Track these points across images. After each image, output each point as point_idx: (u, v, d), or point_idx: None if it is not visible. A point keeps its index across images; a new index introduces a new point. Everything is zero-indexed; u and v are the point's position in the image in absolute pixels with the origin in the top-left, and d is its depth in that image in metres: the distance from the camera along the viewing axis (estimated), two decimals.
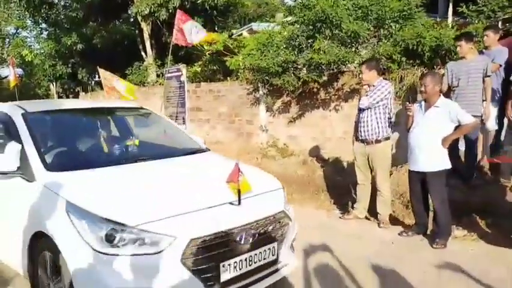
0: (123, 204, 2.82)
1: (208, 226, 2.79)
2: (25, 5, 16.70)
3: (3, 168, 3.29)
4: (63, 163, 3.52)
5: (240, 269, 2.91)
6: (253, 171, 3.58)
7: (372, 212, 5.36)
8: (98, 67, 10.31)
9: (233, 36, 12.23)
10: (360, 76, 5.97)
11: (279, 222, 3.24)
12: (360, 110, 5.23)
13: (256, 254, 3.01)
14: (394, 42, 6.68)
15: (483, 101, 5.39)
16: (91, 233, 2.66)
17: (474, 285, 3.64)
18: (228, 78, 10.31)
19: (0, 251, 3.62)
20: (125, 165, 3.56)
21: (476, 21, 6.83)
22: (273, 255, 3.14)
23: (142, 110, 4.91)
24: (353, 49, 7.21)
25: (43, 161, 3.31)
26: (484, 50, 5.71)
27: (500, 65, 5.49)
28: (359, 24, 6.68)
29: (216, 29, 15.23)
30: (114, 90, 9.06)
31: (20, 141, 3.47)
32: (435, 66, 6.46)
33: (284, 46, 7.71)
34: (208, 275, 2.75)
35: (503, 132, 5.68)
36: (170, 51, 9.76)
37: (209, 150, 4.35)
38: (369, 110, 5.11)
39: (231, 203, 3.03)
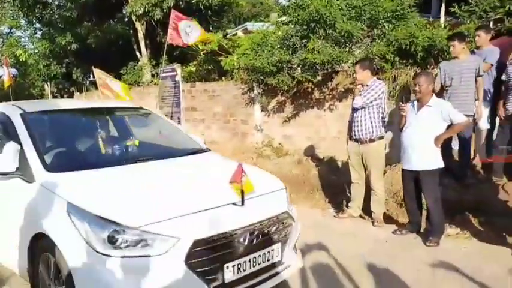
0: (126, 205, 2.79)
1: (211, 227, 2.77)
2: (19, 5, 16.63)
3: (2, 169, 3.25)
4: (63, 164, 3.49)
5: (244, 270, 2.89)
6: (255, 172, 3.55)
7: (366, 210, 5.40)
8: (92, 67, 10.30)
9: (228, 36, 12.25)
10: (354, 76, 6.01)
11: (282, 222, 3.22)
12: (354, 110, 5.26)
13: (260, 255, 2.99)
14: (388, 42, 6.72)
15: (475, 100, 5.45)
16: (93, 235, 2.62)
17: (467, 283, 3.68)
18: (223, 78, 10.32)
19: (0, 253, 3.58)
20: (126, 166, 3.52)
21: (468, 21, 6.88)
22: (276, 256, 3.13)
23: (141, 110, 4.88)
24: (347, 49, 7.25)
25: (42, 161, 3.27)
26: (475, 50, 5.77)
27: (492, 65, 5.55)
28: (352, 24, 6.71)
29: (211, 28, 15.22)
30: (108, 90, 9.06)
31: (18, 141, 3.43)
32: (429, 66, 6.51)
33: (278, 46, 7.74)
34: (213, 276, 2.73)
35: (495, 131, 5.74)
36: (165, 51, 9.77)
37: (209, 150, 4.33)
38: (363, 109, 5.14)
39: (234, 204, 3.00)
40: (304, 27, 7.34)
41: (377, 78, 5.49)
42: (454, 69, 5.43)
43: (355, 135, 5.24)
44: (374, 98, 5.08)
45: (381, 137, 5.21)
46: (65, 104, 5.27)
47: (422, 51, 6.44)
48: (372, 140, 5.15)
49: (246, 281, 2.92)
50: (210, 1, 13.63)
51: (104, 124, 4.42)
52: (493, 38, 6.11)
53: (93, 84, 15.19)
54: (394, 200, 5.63)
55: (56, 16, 17.62)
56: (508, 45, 5.68)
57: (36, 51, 19.10)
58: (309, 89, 8.00)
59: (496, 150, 5.53)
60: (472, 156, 5.91)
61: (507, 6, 6.78)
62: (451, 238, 4.67)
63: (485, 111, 5.64)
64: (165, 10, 13.17)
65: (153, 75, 14.09)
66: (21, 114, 3.69)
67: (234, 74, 9.57)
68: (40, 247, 3.00)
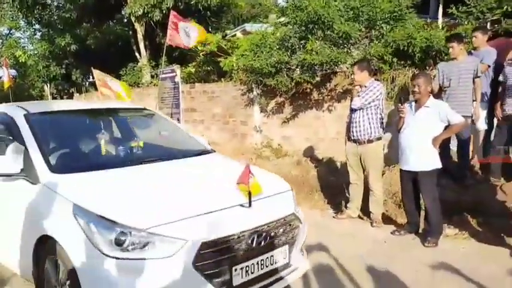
0: (132, 206, 2.76)
1: (219, 229, 2.74)
2: (18, 6, 16.60)
3: (6, 170, 3.22)
4: (68, 165, 3.45)
5: (252, 273, 2.85)
6: (261, 173, 3.50)
7: (365, 211, 5.43)
8: (92, 68, 10.31)
9: (227, 37, 12.27)
10: (352, 77, 6.03)
11: (290, 224, 3.19)
12: (352, 111, 5.28)
13: (267, 258, 2.96)
14: (385, 43, 6.74)
15: (473, 101, 5.48)
16: (100, 237, 2.59)
17: (465, 284, 3.70)
18: (222, 79, 10.34)
19: (4, 255, 3.54)
20: (131, 167, 3.48)
21: (466, 23, 6.91)
22: (284, 258, 3.10)
23: (145, 110, 4.85)
24: (345, 50, 7.27)
25: (47, 162, 3.23)
26: (472, 51, 5.80)
27: (489, 66, 5.58)
28: (350, 25, 6.73)
29: (210, 29, 15.22)
30: (108, 89, 9.06)
31: (22, 142, 3.39)
32: (427, 67, 6.54)
33: (277, 47, 7.75)
34: (221, 279, 2.70)
35: (492, 132, 5.77)
36: (164, 52, 9.80)
37: (214, 151, 4.30)
38: (361, 110, 5.16)
39: (241, 205, 2.96)
40: (303, 28, 7.35)
41: (375, 79, 5.51)
42: (452, 70, 5.45)
43: (353, 136, 5.26)
44: (372, 99, 5.10)
45: (379, 138, 5.23)
46: (68, 105, 5.24)
47: (420, 52, 6.47)
48: (370, 141, 5.17)
49: (254, 283, 2.89)
50: (209, 2, 13.63)
51: (108, 125, 4.38)
52: (490, 38, 6.15)
53: (93, 85, 15.21)
54: (392, 200, 5.66)
55: (56, 17, 17.62)
56: (505, 46, 5.71)
57: (35, 52, 19.09)
58: (308, 90, 8.03)
59: (493, 151, 5.56)
60: (470, 156, 5.93)
61: (505, 7, 6.81)
62: (450, 239, 4.70)
63: (482, 112, 5.67)
64: (164, 11, 13.17)
65: (152, 76, 14.10)
66: (25, 115, 3.66)
67: (233, 75, 9.59)
68: (45, 249, 2.96)
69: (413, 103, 4.73)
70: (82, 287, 2.62)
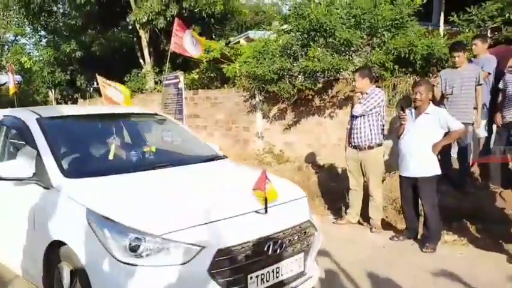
0: (147, 212, 2.70)
1: (235, 235, 2.68)
2: (24, 13, 16.84)
3: (18, 175, 3.18)
4: (81, 169, 3.40)
5: (267, 281, 2.78)
6: (275, 179, 3.35)
7: (365, 217, 5.45)
8: (96, 74, 10.42)
9: (230, 44, 12.37)
10: (354, 84, 6.08)
11: (305, 232, 3.12)
12: (353, 117, 5.32)
13: (283, 266, 2.89)
14: (387, 51, 6.79)
15: (474, 108, 5.51)
16: (114, 242, 2.53)
17: None
18: (225, 85, 10.41)
19: (14, 260, 3.46)
20: (144, 172, 3.41)
21: (467, 30, 6.96)
22: (299, 266, 3.04)
23: (157, 116, 4.82)
24: (347, 57, 7.33)
25: (60, 167, 3.17)
26: (472, 59, 5.84)
27: (489, 73, 5.61)
28: (351, 33, 6.78)
29: (214, 36, 15.36)
30: (110, 100, 9.18)
31: (35, 146, 3.35)
32: (431, 75, 6.57)
33: (279, 54, 7.82)
34: (236, 287, 2.64)
35: (492, 139, 5.79)
36: (168, 59, 9.90)
37: (226, 157, 4.23)
38: (362, 117, 5.19)
39: (256, 212, 2.89)
40: (305, 35, 7.43)
41: (376, 86, 5.55)
42: (454, 78, 5.48)
43: (354, 142, 5.30)
44: (374, 106, 5.14)
45: (380, 144, 5.26)
46: (79, 109, 5.18)
47: (421, 59, 6.51)
48: (370, 147, 5.20)
49: None
50: (213, 9, 13.75)
51: (120, 130, 4.33)
52: (491, 46, 6.19)
53: (97, 91, 15.33)
54: (392, 206, 5.67)
55: (61, 24, 17.83)
56: (506, 54, 5.74)
57: (41, 58, 19.27)
58: (310, 97, 8.08)
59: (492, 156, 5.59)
60: (470, 163, 5.96)
61: (506, 15, 6.86)
62: (448, 245, 4.71)
63: (482, 119, 5.70)
64: (168, 18, 13.32)
65: (156, 83, 14.22)
66: (37, 119, 3.60)
67: (236, 81, 9.65)
68: (57, 255, 2.90)
69: (413, 110, 4.77)
70: None
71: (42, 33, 20.42)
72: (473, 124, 5.51)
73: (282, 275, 2.89)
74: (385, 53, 6.79)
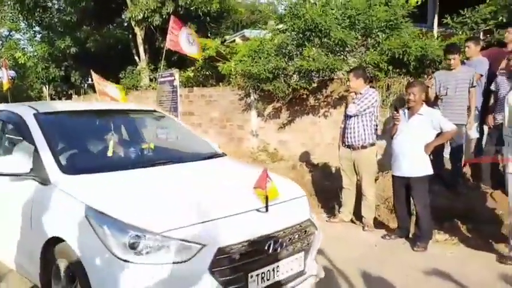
0: (147, 209, 2.66)
1: (236, 234, 2.66)
2: (19, 8, 16.73)
3: (15, 170, 3.14)
4: (79, 165, 3.34)
5: (267, 280, 2.77)
6: (276, 178, 3.30)
7: (358, 215, 5.51)
8: (91, 70, 10.41)
9: (226, 43, 12.38)
10: (348, 84, 6.13)
11: (305, 231, 3.11)
12: (347, 117, 5.36)
13: (283, 265, 2.88)
14: (381, 51, 6.84)
15: (467, 109, 5.58)
16: (113, 239, 2.49)
17: (453, 287, 3.77)
18: (220, 83, 10.42)
19: (10, 256, 3.41)
20: (143, 169, 3.38)
21: (460, 33, 7.03)
22: (300, 265, 3.03)
23: (156, 112, 4.79)
24: (341, 57, 7.37)
25: (58, 162, 3.13)
26: (465, 61, 5.90)
27: (482, 75, 5.69)
28: (346, 33, 6.82)
29: (209, 35, 15.35)
30: (106, 94, 9.19)
31: (32, 142, 3.29)
32: (426, 76, 6.63)
33: (275, 53, 7.84)
34: (237, 286, 2.62)
35: (483, 140, 5.87)
36: (163, 56, 9.89)
37: (225, 155, 4.20)
38: (356, 117, 5.24)
39: (257, 210, 2.87)
40: (300, 35, 7.45)
41: (370, 87, 5.60)
42: (449, 80, 5.53)
43: (347, 141, 5.35)
44: (367, 106, 5.19)
45: (373, 144, 5.31)
46: (77, 105, 5.13)
47: (415, 60, 6.58)
48: (364, 147, 5.25)
49: None
50: (208, 8, 13.74)
51: (118, 126, 4.27)
52: (484, 48, 6.26)
53: (91, 87, 15.26)
54: (385, 205, 5.73)
55: (56, 20, 17.73)
56: (498, 56, 5.81)
57: (35, 54, 19.14)
58: (304, 96, 8.13)
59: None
60: (462, 164, 6.03)
61: (499, 18, 6.94)
62: (439, 244, 4.77)
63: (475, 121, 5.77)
64: (164, 16, 13.29)
65: (151, 80, 14.19)
66: (34, 115, 3.55)
67: (231, 79, 9.68)
68: (55, 252, 2.87)
69: (406, 110, 4.82)
70: None
71: (37, 28, 20.28)
72: (466, 125, 5.58)
73: (282, 273, 2.89)
74: (379, 54, 6.84)
